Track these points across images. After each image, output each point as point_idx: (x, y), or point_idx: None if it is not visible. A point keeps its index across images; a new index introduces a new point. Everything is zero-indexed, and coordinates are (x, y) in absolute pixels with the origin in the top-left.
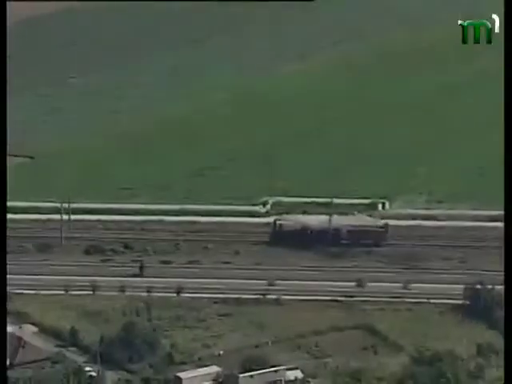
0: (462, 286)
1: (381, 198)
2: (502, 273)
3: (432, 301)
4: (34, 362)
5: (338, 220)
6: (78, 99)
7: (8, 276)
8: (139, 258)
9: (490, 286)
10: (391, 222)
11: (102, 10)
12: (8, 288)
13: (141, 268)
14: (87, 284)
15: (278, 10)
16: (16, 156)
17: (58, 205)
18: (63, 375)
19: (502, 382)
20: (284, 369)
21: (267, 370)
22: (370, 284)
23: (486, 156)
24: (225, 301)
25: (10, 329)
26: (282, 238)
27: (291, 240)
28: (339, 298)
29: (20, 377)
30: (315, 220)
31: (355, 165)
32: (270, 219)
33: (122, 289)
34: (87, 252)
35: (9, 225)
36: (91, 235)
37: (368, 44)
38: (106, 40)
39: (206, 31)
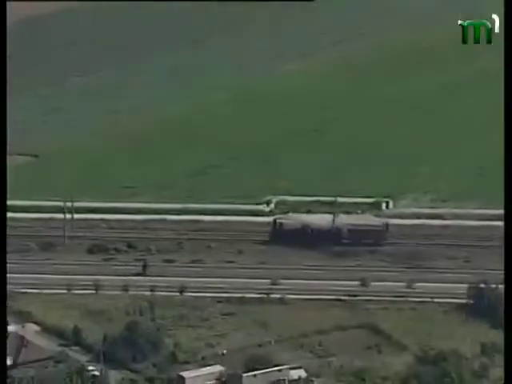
0: (466, 285)
1: (384, 197)
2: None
3: (436, 300)
4: (37, 361)
5: (339, 219)
6: (78, 99)
7: (11, 275)
8: (142, 257)
9: (494, 285)
10: (395, 221)
11: (102, 10)
12: (11, 287)
13: (144, 267)
14: (90, 283)
15: (278, 10)
16: (20, 155)
17: (61, 204)
18: (66, 374)
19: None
20: (287, 368)
21: (271, 369)
22: (373, 283)
23: (488, 155)
24: (228, 300)
25: (12, 328)
26: (281, 237)
27: (291, 239)
28: (343, 297)
29: (23, 376)
30: (316, 219)
31: (357, 164)
32: None
33: (125, 288)
34: (90, 251)
35: (12, 223)
36: (94, 234)
37: (368, 44)
38: (106, 40)
39: (206, 31)
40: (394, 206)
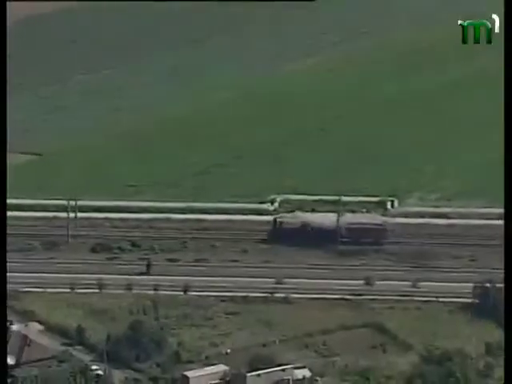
0: (471, 285)
1: (389, 196)
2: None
3: (441, 299)
4: (40, 360)
5: (340, 218)
6: (79, 98)
7: (15, 274)
8: (146, 256)
9: (499, 285)
10: (400, 220)
11: (102, 9)
12: (14, 286)
13: (148, 266)
14: (94, 282)
15: (279, 9)
16: (23, 153)
17: (65, 202)
18: (69, 374)
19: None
20: (292, 368)
21: (275, 368)
22: (378, 282)
23: (492, 154)
24: (232, 299)
25: (15, 327)
26: (280, 236)
27: (290, 238)
28: (347, 297)
29: (26, 375)
30: (317, 217)
31: (361, 163)
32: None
33: (129, 287)
34: (94, 250)
35: (15, 222)
36: (98, 233)
37: (370, 43)
38: (107, 40)
39: (207, 31)
40: (399, 204)
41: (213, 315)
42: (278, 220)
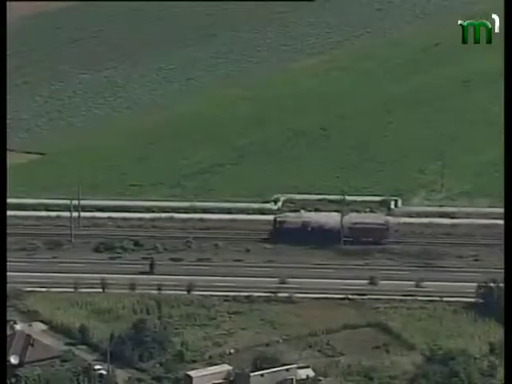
0: (475, 284)
1: (393, 196)
2: None
3: (445, 299)
4: (44, 360)
5: (339, 217)
6: (83, 97)
7: (18, 273)
8: (149, 256)
9: (503, 284)
10: (404, 220)
11: (103, 8)
12: (18, 285)
13: (151, 266)
14: (97, 282)
15: (285, 9)
16: (27, 153)
17: (68, 202)
18: (73, 373)
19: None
20: (295, 367)
21: (278, 368)
22: (382, 282)
23: (497, 154)
24: (235, 299)
25: (19, 327)
26: (280, 236)
27: (290, 237)
28: (351, 296)
29: (29, 375)
30: (319, 217)
31: (364, 162)
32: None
33: (133, 286)
34: (97, 249)
35: (18, 222)
36: (101, 232)
37: (376, 42)
38: (113, 38)
39: (213, 30)
40: (403, 204)
41: (216, 315)
42: (278, 220)
